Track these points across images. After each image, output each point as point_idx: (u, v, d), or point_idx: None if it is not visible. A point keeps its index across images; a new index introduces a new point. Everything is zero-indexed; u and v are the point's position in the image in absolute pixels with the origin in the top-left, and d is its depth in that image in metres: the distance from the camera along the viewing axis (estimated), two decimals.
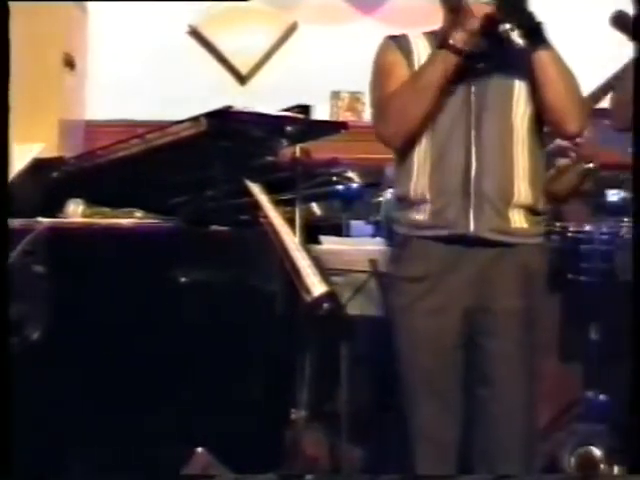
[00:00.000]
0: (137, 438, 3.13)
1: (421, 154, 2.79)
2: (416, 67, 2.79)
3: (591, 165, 4.22)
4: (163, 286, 3.28)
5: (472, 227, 2.73)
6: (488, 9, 2.62)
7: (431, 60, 2.74)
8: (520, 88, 2.77)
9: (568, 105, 2.73)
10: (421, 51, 2.82)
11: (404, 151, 2.82)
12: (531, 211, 2.80)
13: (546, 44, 2.69)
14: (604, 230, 3.99)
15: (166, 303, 3.27)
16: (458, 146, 2.75)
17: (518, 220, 2.77)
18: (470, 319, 2.78)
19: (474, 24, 2.65)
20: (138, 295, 3.19)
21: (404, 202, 2.83)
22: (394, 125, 2.78)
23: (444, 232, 2.75)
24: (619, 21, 2.37)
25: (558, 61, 2.72)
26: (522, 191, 2.76)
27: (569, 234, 4.02)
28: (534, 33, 2.64)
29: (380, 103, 2.85)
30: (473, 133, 2.74)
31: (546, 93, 2.71)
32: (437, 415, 2.80)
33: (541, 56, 2.68)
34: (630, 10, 2.46)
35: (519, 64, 2.73)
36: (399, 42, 2.86)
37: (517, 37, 2.61)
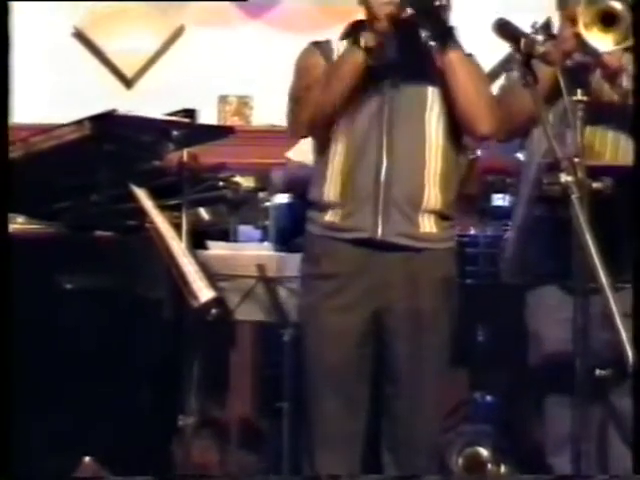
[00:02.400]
0: (22, 447, 3.05)
1: (336, 158, 2.82)
2: None
3: (474, 155, 4.26)
4: (48, 293, 3.22)
5: (380, 231, 2.77)
6: (391, 9, 2.64)
7: (341, 57, 2.78)
8: (434, 93, 2.80)
9: (479, 106, 2.77)
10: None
11: (319, 154, 2.87)
12: (441, 216, 2.83)
13: (456, 47, 2.73)
14: (489, 234, 4.04)
15: (51, 310, 3.21)
16: (370, 151, 2.78)
17: (428, 225, 2.81)
18: (377, 319, 2.81)
19: (381, 25, 2.68)
20: (22, 303, 3.11)
21: (318, 203, 2.86)
22: (302, 113, 2.82)
23: (353, 235, 2.79)
24: (501, 28, 2.40)
25: (468, 63, 2.77)
26: (432, 196, 2.80)
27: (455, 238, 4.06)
28: (444, 36, 2.68)
29: (294, 96, 2.88)
30: (385, 138, 2.77)
31: (456, 95, 2.75)
32: (341, 411, 2.82)
33: (451, 58, 2.72)
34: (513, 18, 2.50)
35: (433, 69, 2.76)
36: (321, 47, 2.89)
37: (429, 40, 2.64)
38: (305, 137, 3.01)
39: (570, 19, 2.86)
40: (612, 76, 2.90)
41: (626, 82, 2.88)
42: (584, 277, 2.24)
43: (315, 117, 2.80)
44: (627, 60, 2.98)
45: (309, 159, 3.09)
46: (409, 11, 2.62)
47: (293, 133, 2.96)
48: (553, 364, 2.69)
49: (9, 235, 2.49)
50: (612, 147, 2.98)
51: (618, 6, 2.80)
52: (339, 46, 2.86)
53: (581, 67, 2.95)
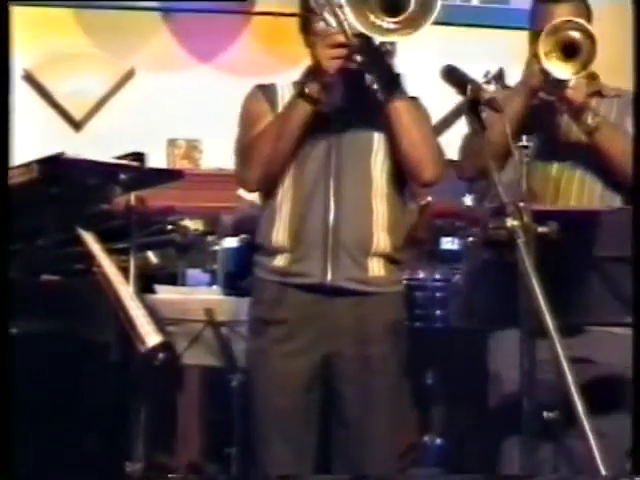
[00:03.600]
0: None
1: (283, 203, 2.81)
2: None
3: (426, 202, 4.29)
4: None
5: (329, 277, 2.76)
6: (339, 63, 2.64)
7: (287, 108, 2.77)
8: (380, 138, 2.81)
9: (423, 153, 2.77)
10: (287, 100, 2.83)
11: (267, 200, 2.86)
12: (390, 260, 2.84)
13: (402, 93, 2.74)
14: (438, 277, 4.06)
15: None
16: (318, 196, 2.78)
17: (377, 269, 2.81)
18: (326, 364, 2.81)
19: (328, 77, 2.68)
20: None
21: (266, 248, 2.85)
22: (252, 169, 2.80)
23: (302, 280, 2.78)
24: (448, 74, 2.43)
25: (413, 110, 2.77)
26: (381, 240, 2.81)
27: (404, 281, 4.08)
28: (390, 83, 2.69)
29: (241, 148, 2.87)
30: (332, 184, 2.77)
31: (401, 141, 2.75)
32: (289, 456, 2.81)
33: (396, 105, 2.72)
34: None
35: (379, 114, 2.76)
36: (266, 91, 2.88)
37: (375, 87, 2.65)
38: (256, 191, 2.98)
39: (536, 55, 2.90)
40: (577, 113, 2.93)
41: (591, 120, 2.91)
42: (530, 320, 2.25)
43: (266, 173, 2.79)
44: (595, 101, 3.05)
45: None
46: (357, 59, 2.62)
47: (243, 187, 2.95)
48: (512, 406, 2.70)
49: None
50: (578, 186, 3.03)
51: (578, 36, 2.85)
52: (284, 90, 2.86)
53: (549, 106, 3.00)
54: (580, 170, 3.03)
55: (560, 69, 2.87)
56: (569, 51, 2.86)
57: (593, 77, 3.10)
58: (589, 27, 2.86)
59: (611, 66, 3.11)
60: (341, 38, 2.61)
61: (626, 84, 3.08)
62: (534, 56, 2.92)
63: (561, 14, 2.95)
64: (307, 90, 2.70)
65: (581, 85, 2.89)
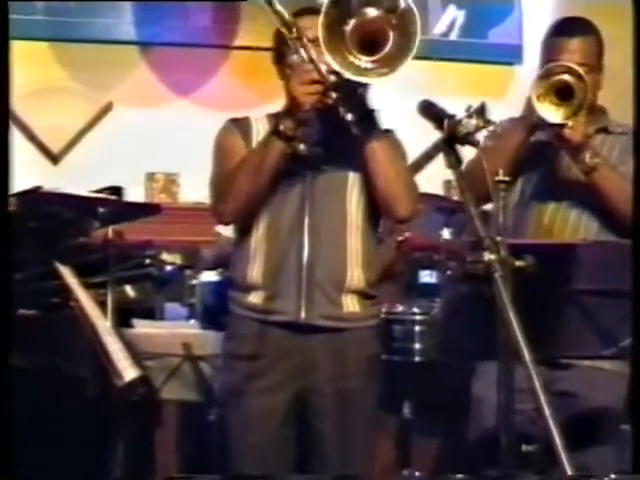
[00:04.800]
0: None
1: (257, 239, 2.81)
2: None
3: (402, 237, 4.31)
4: None
5: (303, 315, 2.76)
6: (316, 99, 2.63)
7: (262, 145, 2.76)
8: (355, 175, 2.81)
9: (398, 190, 2.76)
10: (261, 133, 2.83)
11: (241, 236, 2.85)
12: (364, 295, 2.84)
13: (377, 130, 2.73)
14: (416, 310, 4.06)
15: None
16: (292, 233, 2.77)
17: (351, 304, 2.81)
18: (301, 399, 2.80)
19: (304, 114, 2.67)
20: None
21: (240, 284, 2.84)
22: (228, 202, 2.78)
23: (276, 318, 2.78)
24: (425, 110, 2.43)
25: (389, 146, 2.76)
26: (355, 276, 2.80)
27: (382, 315, 4.07)
28: (365, 119, 2.68)
29: (217, 181, 2.85)
30: (307, 221, 2.76)
31: (376, 178, 2.75)
32: None
33: (371, 142, 2.71)
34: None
35: (355, 151, 2.75)
36: (240, 125, 2.88)
37: (350, 123, 2.63)
38: (230, 224, 2.98)
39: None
40: (574, 151, 2.92)
41: (589, 159, 2.91)
42: (508, 354, 2.25)
43: (242, 207, 2.77)
44: (600, 138, 3.04)
45: None
46: (333, 95, 2.60)
47: (218, 220, 2.92)
48: (490, 439, 2.69)
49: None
50: (572, 227, 3.01)
51: (571, 80, 2.86)
52: (258, 124, 2.85)
53: (548, 144, 3.00)
54: (576, 209, 3.01)
55: (552, 113, 2.86)
56: (564, 94, 2.87)
57: (601, 112, 3.11)
58: (582, 72, 2.85)
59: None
60: (317, 75, 2.60)
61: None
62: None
63: (573, 49, 2.96)
64: (282, 127, 2.69)
65: (579, 124, 2.87)
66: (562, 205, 3.01)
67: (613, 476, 2.30)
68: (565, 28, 3.05)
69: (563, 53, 2.95)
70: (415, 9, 2.55)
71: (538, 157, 2.99)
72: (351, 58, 2.57)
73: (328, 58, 2.54)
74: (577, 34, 2.99)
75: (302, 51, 2.62)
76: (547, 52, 3.02)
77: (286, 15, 2.63)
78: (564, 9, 6.12)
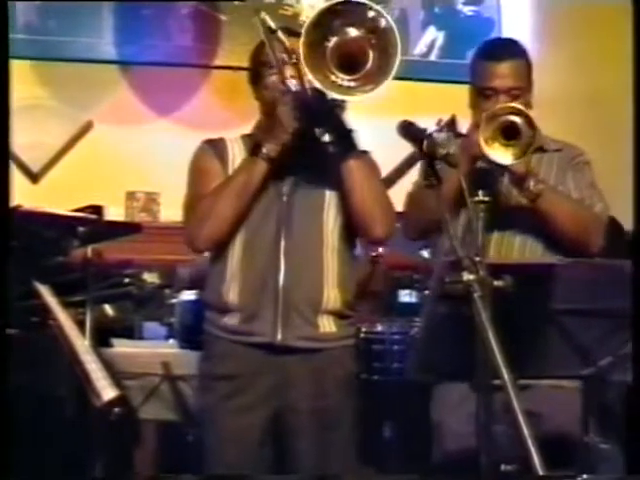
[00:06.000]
0: None
1: (233, 261, 2.80)
2: (230, 172, 2.80)
3: (377, 253, 4.31)
4: None
5: (279, 336, 2.75)
6: (298, 123, 2.64)
7: (242, 167, 2.76)
8: (331, 194, 2.81)
9: (374, 210, 2.77)
10: (237, 155, 2.83)
11: (217, 256, 2.83)
12: (340, 315, 2.84)
13: (354, 150, 2.74)
14: (395, 330, 4.07)
15: None
16: (269, 255, 2.77)
17: (327, 325, 2.81)
18: (278, 418, 2.79)
19: (287, 137, 2.67)
20: None
21: (216, 305, 2.84)
22: (206, 228, 2.76)
23: (253, 339, 2.77)
24: (404, 130, 2.45)
25: (365, 166, 2.77)
26: (331, 297, 2.81)
27: (362, 334, 4.08)
28: (342, 139, 2.69)
29: (191, 206, 2.84)
30: (283, 241, 2.76)
31: (353, 198, 2.75)
32: None
33: (348, 162, 2.72)
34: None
35: (331, 171, 2.76)
36: (215, 146, 2.87)
37: (328, 143, 2.64)
38: (204, 252, 2.97)
39: (477, 125, 2.90)
40: (519, 181, 2.92)
41: (534, 186, 2.91)
42: (487, 374, 2.25)
43: (222, 232, 2.77)
44: (537, 157, 3.04)
45: None
46: (314, 116, 2.61)
47: (193, 246, 2.84)
48: (469, 459, 2.69)
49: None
50: (518, 252, 3.01)
51: (518, 120, 2.86)
52: (234, 145, 2.85)
53: (489, 171, 2.99)
54: (520, 236, 3.02)
55: (501, 155, 2.86)
56: (510, 134, 2.87)
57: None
58: (527, 111, 2.86)
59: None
60: (301, 95, 2.61)
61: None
62: (476, 126, 2.92)
63: (502, 73, 2.95)
64: (265, 150, 2.69)
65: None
66: (506, 233, 3.01)
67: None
68: (494, 51, 3.05)
69: (494, 79, 2.95)
70: (395, 28, 2.57)
71: (478, 186, 2.99)
72: (332, 77, 2.58)
73: (310, 77, 2.55)
74: (506, 57, 2.98)
75: (288, 70, 2.63)
76: (477, 77, 3.02)
77: (286, 42, 2.64)
78: (543, 30, 6.17)
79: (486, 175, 2.98)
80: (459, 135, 3.20)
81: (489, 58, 3.01)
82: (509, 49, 3.06)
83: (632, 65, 2.95)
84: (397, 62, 2.54)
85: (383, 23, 2.56)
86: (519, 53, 3.04)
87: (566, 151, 3.10)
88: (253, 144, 2.75)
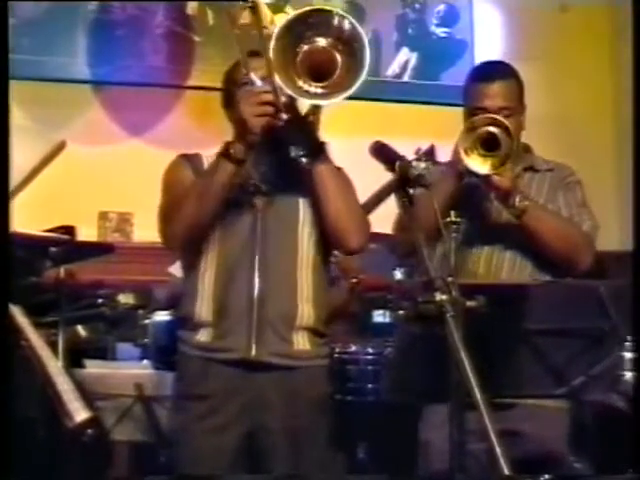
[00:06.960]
0: None
1: (206, 275, 2.79)
2: None
3: (356, 279, 4.32)
4: None
5: (254, 352, 2.74)
6: (266, 121, 2.63)
7: (210, 168, 2.76)
8: (306, 209, 2.81)
9: (348, 221, 2.77)
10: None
11: (190, 273, 2.83)
12: (314, 332, 2.83)
13: (327, 162, 2.74)
14: (370, 350, 4.06)
15: None
16: (243, 270, 2.76)
17: (301, 342, 2.80)
18: (252, 438, 2.78)
19: (253, 136, 2.67)
20: None
21: (188, 322, 2.82)
22: (175, 227, 2.76)
23: (226, 356, 2.76)
24: (376, 151, 2.46)
25: (338, 178, 2.77)
26: (305, 313, 2.80)
27: (336, 355, 4.07)
28: (316, 151, 2.70)
29: (164, 209, 2.83)
30: (257, 256, 2.76)
31: (327, 209, 2.76)
32: None
33: (321, 173, 2.72)
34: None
35: (306, 186, 2.77)
36: (191, 160, 2.87)
37: (301, 155, 2.65)
38: (181, 251, 2.96)
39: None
40: (504, 197, 2.94)
41: (519, 202, 2.93)
42: (460, 394, 2.26)
43: (190, 230, 2.75)
44: (527, 177, 3.09)
45: None
46: (283, 117, 2.61)
47: (168, 245, 2.85)
48: (444, 479, 2.69)
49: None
50: (508, 268, 3.03)
51: (497, 131, 2.88)
52: (210, 161, 2.83)
53: (478, 189, 3.01)
54: (510, 252, 3.04)
55: (479, 165, 2.89)
56: (490, 144, 2.89)
57: (526, 150, 3.15)
58: (507, 123, 2.88)
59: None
60: (268, 96, 2.62)
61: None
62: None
63: (494, 93, 2.99)
64: (231, 150, 2.69)
65: (506, 171, 2.92)
66: (495, 249, 3.03)
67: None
68: (484, 73, 3.09)
69: (485, 99, 2.99)
70: (361, 30, 2.61)
71: (467, 203, 3.00)
72: (302, 84, 2.62)
73: (279, 82, 2.57)
74: (496, 78, 3.02)
75: (252, 75, 2.65)
76: (469, 98, 3.06)
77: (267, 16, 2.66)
78: (516, 51, 6.22)
79: (474, 192, 3.00)
80: (437, 164, 3.22)
81: (480, 80, 3.05)
82: (499, 70, 3.10)
83: (632, 67, 2.96)
84: (365, 71, 2.58)
85: (347, 26, 2.60)
86: (509, 74, 3.09)
87: (557, 171, 3.13)
88: (222, 147, 2.75)
